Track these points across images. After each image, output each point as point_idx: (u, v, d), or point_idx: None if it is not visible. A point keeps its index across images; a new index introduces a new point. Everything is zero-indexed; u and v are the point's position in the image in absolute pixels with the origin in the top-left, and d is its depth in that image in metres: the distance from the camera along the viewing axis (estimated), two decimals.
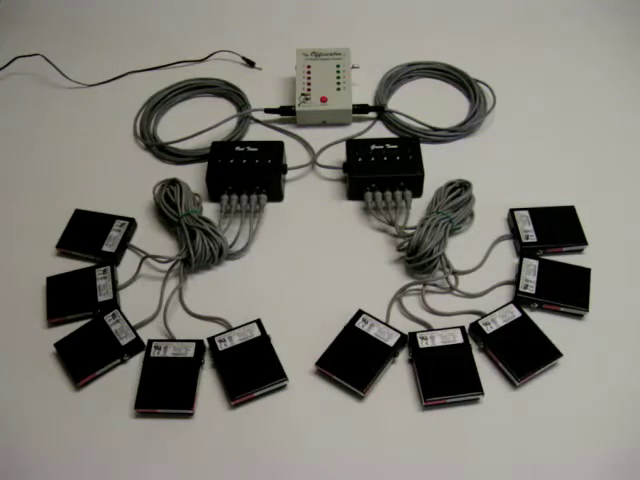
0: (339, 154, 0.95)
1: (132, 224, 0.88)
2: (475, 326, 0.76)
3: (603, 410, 0.71)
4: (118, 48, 1.17)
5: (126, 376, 0.75)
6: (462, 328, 0.76)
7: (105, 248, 0.85)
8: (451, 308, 0.80)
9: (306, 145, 0.99)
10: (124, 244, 0.86)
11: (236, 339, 0.76)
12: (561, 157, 0.96)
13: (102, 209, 0.90)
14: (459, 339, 0.75)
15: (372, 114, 1.02)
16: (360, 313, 0.78)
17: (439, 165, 0.92)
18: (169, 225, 0.88)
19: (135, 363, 0.76)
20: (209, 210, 0.91)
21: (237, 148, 0.92)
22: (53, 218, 0.89)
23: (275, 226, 0.89)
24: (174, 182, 0.89)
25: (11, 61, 1.12)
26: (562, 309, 0.78)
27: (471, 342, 0.75)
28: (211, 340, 0.76)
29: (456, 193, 0.87)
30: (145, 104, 1.05)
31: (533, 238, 0.84)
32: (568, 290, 0.79)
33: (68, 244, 0.86)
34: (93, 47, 1.17)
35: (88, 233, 0.86)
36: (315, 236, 0.88)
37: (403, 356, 0.76)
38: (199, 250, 0.82)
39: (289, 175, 0.94)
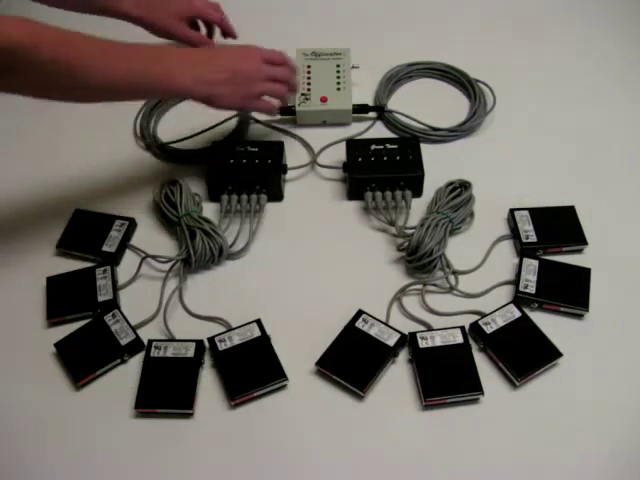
0: (339, 154, 0.95)
1: (132, 224, 0.88)
2: (475, 326, 0.76)
3: (603, 410, 0.71)
4: None
5: (126, 376, 0.75)
6: (462, 328, 0.76)
7: (105, 248, 0.85)
8: (451, 308, 0.80)
9: (306, 145, 0.99)
10: (124, 244, 0.86)
11: (236, 339, 0.76)
12: (561, 157, 0.96)
13: (102, 209, 0.90)
14: (459, 339, 0.75)
15: (372, 114, 1.02)
16: (360, 313, 0.78)
17: (439, 165, 0.92)
18: (169, 225, 0.88)
19: (135, 363, 0.76)
20: (209, 210, 0.90)
21: (237, 148, 0.92)
22: (53, 218, 0.89)
23: (275, 226, 0.89)
24: (174, 182, 0.89)
25: None
26: (562, 309, 0.78)
27: (471, 342, 0.75)
28: (211, 340, 0.76)
29: (456, 193, 0.87)
30: (145, 104, 1.05)
31: (533, 238, 0.84)
32: (568, 290, 0.79)
33: (68, 244, 0.86)
34: None
35: (88, 233, 0.86)
36: (315, 236, 0.88)
37: (403, 356, 0.76)
38: (199, 250, 0.82)
39: (289, 175, 0.94)
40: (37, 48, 0.66)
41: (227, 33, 1.03)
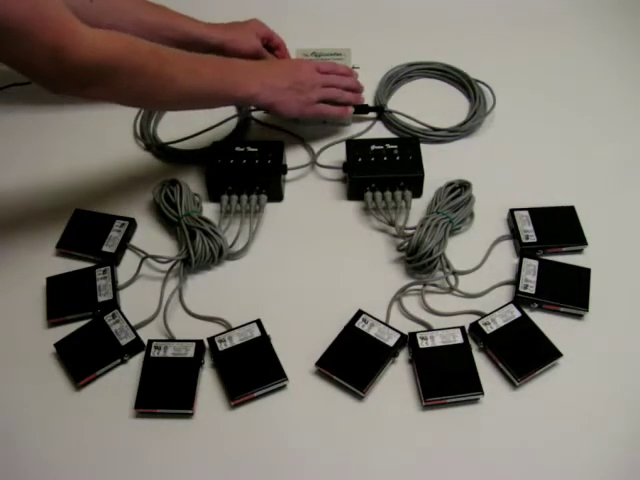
0: (339, 154, 0.95)
1: (132, 224, 0.88)
2: (475, 326, 0.76)
3: (603, 410, 0.71)
4: None
5: (126, 376, 0.75)
6: (462, 328, 0.76)
7: (105, 248, 0.85)
8: (451, 308, 0.80)
9: (306, 145, 0.99)
10: (124, 244, 0.86)
11: (236, 339, 0.76)
12: (561, 157, 0.96)
13: (102, 209, 0.90)
14: (459, 339, 0.75)
15: (372, 114, 1.02)
16: (360, 313, 0.78)
17: (439, 165, 0.92)
18: (169, 225, 0.88)
19: (135, 363, 0.76)
20: (209, 210, 0.90)
21: (237, 148, 0.91)
22: (53, 218, 0.89)
23: (275, 226, 0.89)
24: (174, 182, 0.89)
25: None
26: (562, 309, 0.78)
27: (471, 342, 0.75)
28: (211, 340, 0.76)
29: (456, 193, 0.87)
30: None
31: (533, 238, 0.84)
32: (568, 290, 0.79)
33: (68, 244, 0.86)
34: None
35: (88, 233, 0.86)
36: (315, 236, 0.88)
37: (403, 356, 0.76)
38: (199, 250, 0.82)
39: (289, 175, 0.94)
40: (130, 60, 0.72)
41: (283, 57, 1.05)
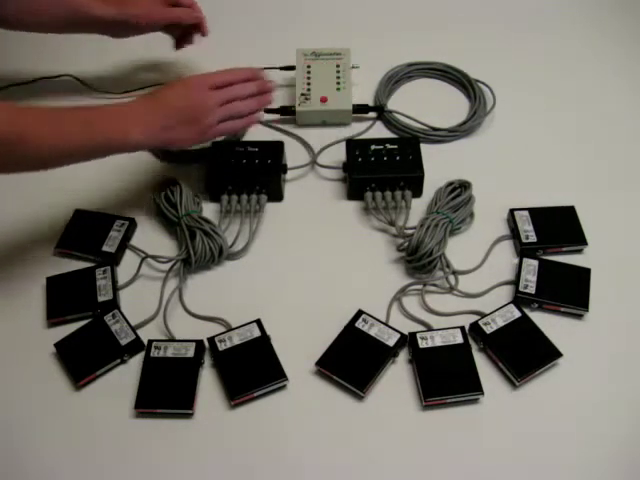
0: (339, 154, 0.95)
1: (132, 224, 0.88)
2: (475, 326, 0.76)
3: (603, 410, 0.71)
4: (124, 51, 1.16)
5: (126, 376, 0.75)
6: (462, 328, 0.76)
7: (105, 248, 0.85)
8: (451, 308, 0.80)
9: (306, 145, 0.99)
10: (124, 244, 0.86)
11: (236, 339, 0.76)
12: (561, 157, 0.96)
13: (102, 209, 0.90)
14: (459, 339, 0.75)
15: (372, 114, 1.02)
16: (360, 313, 0.78)
17: (439, 165, 0.92)
18: (169, 225, 0.88)
19: (135, 363, 0.76)
20: (209, 210, 0.90)
21: (237, 148, 0.92)
22: (53, 218, 0.89)
23: (275, 226, 0.89)
24: (174, 182, 0.89)
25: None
26: (562, 309, 0.78)
27: (471, 342, 0.75)
28: (211, 340, 0.76)
29: (456, 193, 0.87)
30: None
31: (533, 238, 0.84)
32: (568, 290, 0.79)
33: (68, 244, 0.86)
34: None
35: (88, 233, 0.86)
36: (315, 236, 0.88)
37: (403, 356, 0.76)
38: (199, 250, 0.82)
39: (289, 175, 0.94)
40: None
41: (189, 5, 0.98)
